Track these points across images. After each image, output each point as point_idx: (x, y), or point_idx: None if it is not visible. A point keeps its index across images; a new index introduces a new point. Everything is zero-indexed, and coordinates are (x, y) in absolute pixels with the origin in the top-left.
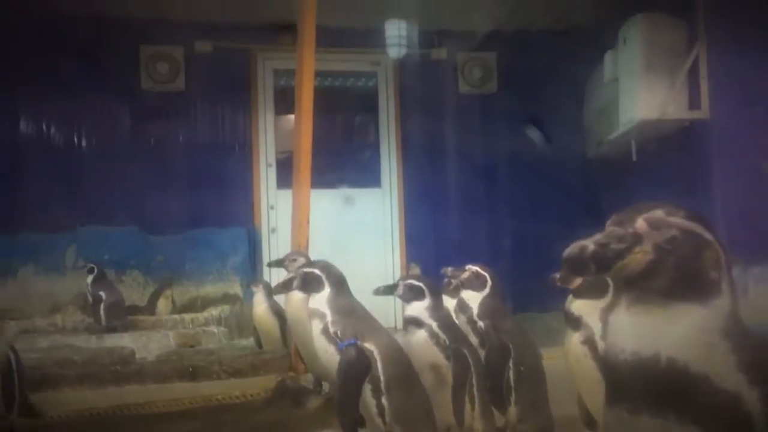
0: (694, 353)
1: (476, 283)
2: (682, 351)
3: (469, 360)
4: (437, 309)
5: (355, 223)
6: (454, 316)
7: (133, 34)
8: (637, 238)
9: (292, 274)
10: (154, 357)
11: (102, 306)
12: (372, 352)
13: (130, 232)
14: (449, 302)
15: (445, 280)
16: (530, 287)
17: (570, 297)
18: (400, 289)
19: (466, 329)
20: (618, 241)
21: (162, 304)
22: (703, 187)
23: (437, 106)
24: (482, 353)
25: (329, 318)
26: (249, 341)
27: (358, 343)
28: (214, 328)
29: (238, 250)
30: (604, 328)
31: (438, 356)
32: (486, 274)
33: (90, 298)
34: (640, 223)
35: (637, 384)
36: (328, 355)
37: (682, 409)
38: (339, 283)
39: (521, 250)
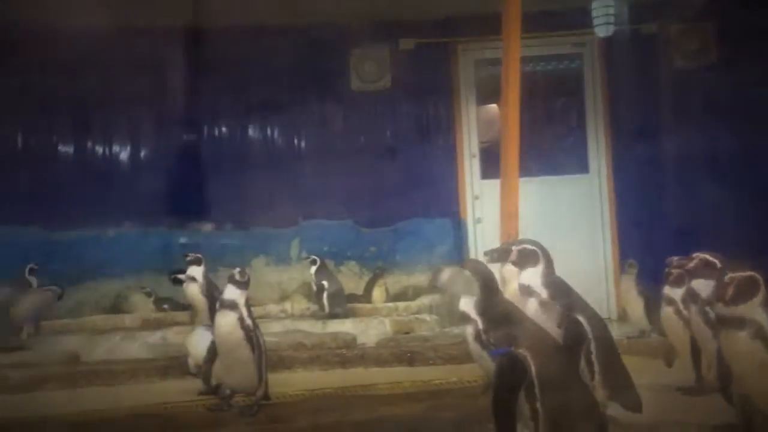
0: None
1: (706, 271)
2: None
3: (586, 327)
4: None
5: (562, 211)
6: (681, 306)
7: (342, 38)
8: None
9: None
10: (374, 342)
11: (325, 294)
12: (526, 357)
13: (346, 226)
14: (675, 292)
15: (666, 270)
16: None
17: None
18: (514, 255)
19: (697, 320)
20: None
21: (377, 293)
22: None
23: (649, 83)
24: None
25: (480, 325)
26: (460, 329)
27: (512, 350)
28: (426, 316)
29: (445, 241)
30: None
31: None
32: (716, 261)
33: (314, 287)
34: None
35: None
36: (482, 360)
37: None
38: (490, 288)
39: (747, 235)
